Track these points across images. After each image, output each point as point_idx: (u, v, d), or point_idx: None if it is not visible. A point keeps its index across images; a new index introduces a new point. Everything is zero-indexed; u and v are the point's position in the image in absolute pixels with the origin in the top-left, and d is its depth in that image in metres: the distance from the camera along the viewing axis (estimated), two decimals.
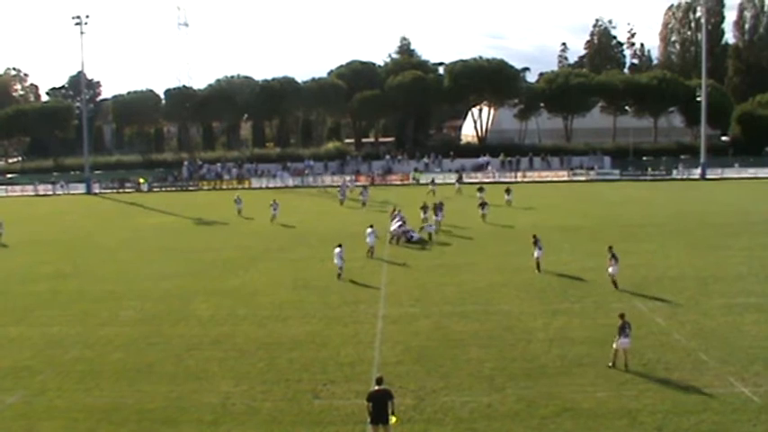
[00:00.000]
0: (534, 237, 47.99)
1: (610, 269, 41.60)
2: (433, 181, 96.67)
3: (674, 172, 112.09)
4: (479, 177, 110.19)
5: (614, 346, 29.13)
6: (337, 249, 46.43)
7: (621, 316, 29.64)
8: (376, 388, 23.04)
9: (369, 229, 52.59)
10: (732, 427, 23.87)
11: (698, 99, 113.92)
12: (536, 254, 46.71)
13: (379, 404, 22.54)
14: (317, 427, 24.78)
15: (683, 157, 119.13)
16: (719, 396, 26.18)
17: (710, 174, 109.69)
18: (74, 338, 35.31)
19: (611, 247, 41.97)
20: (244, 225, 71.72)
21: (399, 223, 58.46)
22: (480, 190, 78.79)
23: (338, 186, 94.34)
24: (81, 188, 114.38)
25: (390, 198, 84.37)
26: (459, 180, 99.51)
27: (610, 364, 29.05)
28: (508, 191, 79.75)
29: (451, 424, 24.71)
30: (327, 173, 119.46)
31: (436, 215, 62.82)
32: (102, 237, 68.28)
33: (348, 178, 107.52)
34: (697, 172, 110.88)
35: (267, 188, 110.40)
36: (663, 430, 23.78)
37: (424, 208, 65.28)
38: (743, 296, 39.81)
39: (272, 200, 71.66)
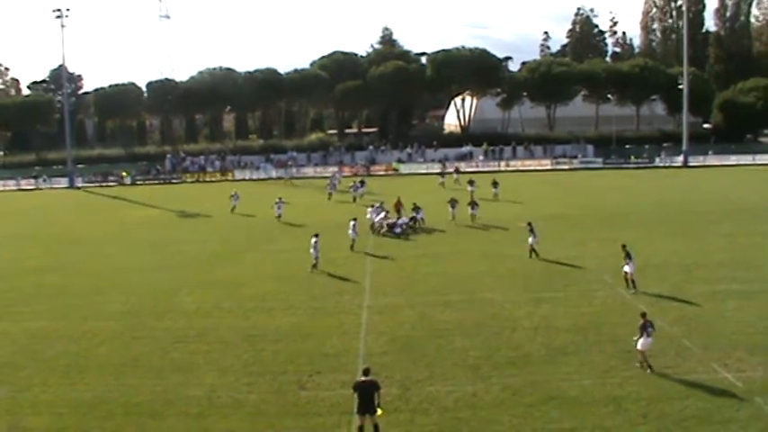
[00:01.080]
0: (529, 224, 48.00)
1: (626, 268, 39.20)
2: (456, 170, 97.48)
3: (657, 160, 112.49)
4: (464, 167, 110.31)
5: (638, 347, 27.77)
6: (313, 240, 46.11)
7: (643, 315, 28.32)
8: (362, 378, 23.12)
9: (351, 222, 52.37)
10: (716, 413, 24.02)
11: (680, 87, 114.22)
12: (530, 240, 47.01)
13: (366, 394, 22.62)
14: (303, 418, 24.81)
15: (665, 144, 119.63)
16: (703, 382, 26.34)
17: (693, 161, 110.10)
18: (58, 333, 35.18)
19: (624, 246, 39.80)
20: (228, 218, 71.53)
21: (383, 214, 58.96)
22: (471, 183, 76.87)
23: (328, 178, 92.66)
24: (64, 182, 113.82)
25: (374, 188, 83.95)
26: (457, 171, 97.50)
27: (637, 364, 27.84)
28: (495, 183, 76.98)
29: (437, 413, 24.78)
30: (311, 164, 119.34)
31: (417, 213, 60.62)
32: (85, 231, 68.05)
33: (337, 170, 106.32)
34: (679, 159, 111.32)
35: (251, 180, 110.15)
36: (647, 417, 23.92)
37: (452, 202, 63.31)
38: (725, 283, 40.02)
39: (278, 197, 68.94)
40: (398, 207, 62.38)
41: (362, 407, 22.61)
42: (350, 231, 51.85)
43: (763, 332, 31.68)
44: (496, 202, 73.02)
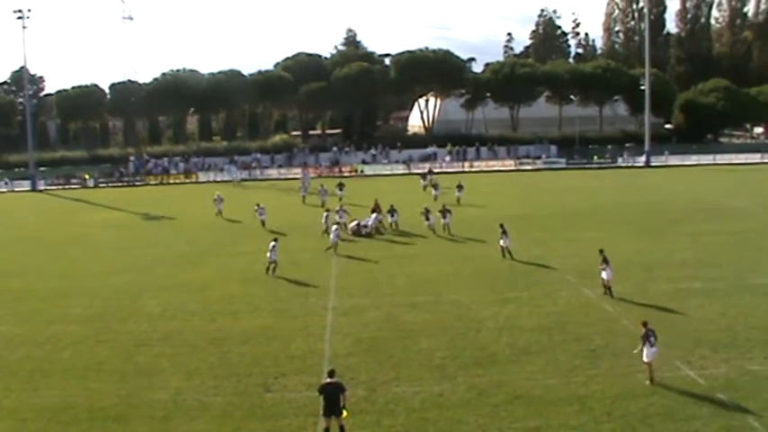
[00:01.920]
0: (501, 225, 47.85)
1: (603, 275, 38.11)
2: (429, 171, 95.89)
3: (620, 160, 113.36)
4: (427, 168, 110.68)
5: (644, 359, 26.51)
6: (272, 244, 45.76)
7: (645, 324, 27.24)
8: (328, 380, 23.12)
9: (334, 226, 52.81)
10: (679, 410, 24.29)
11: (642, 88, 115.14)
12: (502, 242, 46.98)
13: (331, 397, 22.66)
14: (269, 420, 24.78)
15: (627, 145, 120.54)
16: (667, 380, 26.61)
17: (655, 161, 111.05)
18: (21, 337, 34.86)
19: (602, 251, 38.95)
20: (192, 220, 71.15)
21: (356, 221, 58.77)
22: (435, 187, 77.39)
23: (299, 179, 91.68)
24: (26, 185, 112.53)
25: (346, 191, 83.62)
26: (430, 173, 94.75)
27: (647, 382, 26.40)
28: (460, 187, 74.25)
29: (403, 414, 24.85)
30: (275, 166, 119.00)
31: (392, 216, 59.55)
32: (48, 234, 67.41)
33: (306, 172, 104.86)
34: (641, 160, 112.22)
35: (215, 182, 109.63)
36: (612, 415, 24.13)
37: (426, 212, 59.20)
38: (688, 281, 40.53)
39: (256, 204, 65.64)
40: (376, 210, 60.87)
41: (328, 409, 22.63)
42: (332, 236, 51.47)
43: (725, 330, 32.10)
44: (460, 205, 71.30)
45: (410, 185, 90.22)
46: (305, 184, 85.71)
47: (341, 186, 79.75)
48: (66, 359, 31.66)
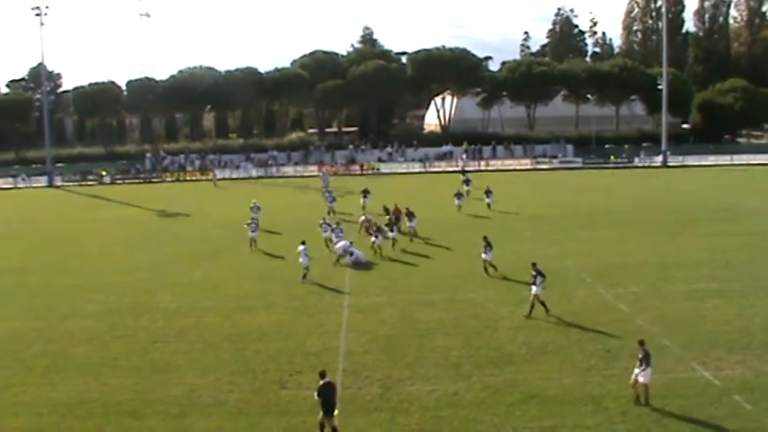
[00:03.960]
0: (485, 238, 43.67)
1: (534, 289, 35.02)
2: (463, 170, 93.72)
3: (636, 160, 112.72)
4: (443, 166, 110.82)
5: (641, 380, 24.69)
6: (301, 247, 43.75)
7: (641, 343, 25.33)
8: (326, 380, 23.13)
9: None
10: (694, 411, 24.18)
11: (659, 87, 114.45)
12: (484, 256, 42.99)
13: (331, 397, 22.80)
14: (285, 417, 24.79)
15: (644, 144, 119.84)
16: (682, 380, 26.54)
17: (671, 161, 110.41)
18: (37, 333, 35.03)
19: (534, 264, 35.69)
20: (208, 217, 71.29)
21: (347, 243, 48.51)
22: (467, 183, 76.32)
23: (319, 177, 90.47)
24: (43, 181, 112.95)
25: (355, 187, 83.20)
26: (464, 172, 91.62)
27: (642, 401, 24.79)
28: (488, 192, 69.27)
29: (418, 413, 24.82)
30: (291, 163, 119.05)
31: (410, 221, 55.53)
32: (64, 230, 67.72)
33: (326, 170, 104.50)
34: (658, 159, 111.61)
35: (231, 179, 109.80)
36: (627, 415, 24.05)
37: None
38: (704, 282, 40.28)
39: (253, 201, 63.96)
40: (397, 215, 56.67)
41: (329, 409, 22.72)
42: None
43: (741, 331, 31.93)
44: (491, 210, 67.74)
45: (426, 183, 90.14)
46: (326, 185, 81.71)
47: (365, 193, 70.19)
48: (82, 355, 31.79)
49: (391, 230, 51.78)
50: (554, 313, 35.04)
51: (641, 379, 24.72)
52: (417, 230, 55.49)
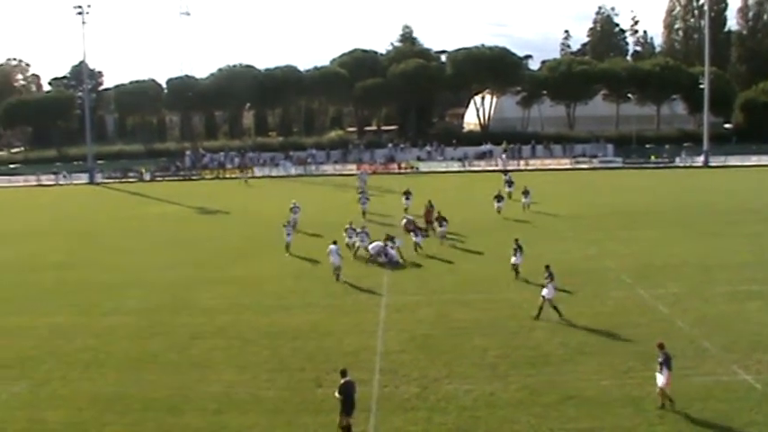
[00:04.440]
0: (516, 240, 42.89)
1: (544, 291, 34.88)
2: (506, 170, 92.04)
3: (677, 160, 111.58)
4: (482, 165, 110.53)
5: (660, 384, 24.44)
6: (333, 246, 43.70)
7: (661, 346, 24.91)
8: (346, 379, 23.14)
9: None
10: (735, 415, 23.91)
11: (701, 86, 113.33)
12: (514, 259, 42.06)
13: (351, 395, 22.81)
14: (320, 415, 24.83)
15: (685, 144, 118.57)
16: (722, 383, 26.24)
17: (713, 161, 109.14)
18: (78, 328, 35.44)
19: (548, 267, 35.51)
20: (247, 214, 71.66)
21: (381, 243, 48.01)
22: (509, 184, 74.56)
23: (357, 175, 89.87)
24: (84, 178, 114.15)
25: (394, 186, 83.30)
26: (506, 172, 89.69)
27: (660, 406, 24.51)
28: (526, 192, 67.64)
29: (455, 412, 24.77)
30: (330, 161, 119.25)
31: (441, 226, 53.39)
32: (105, 226, 68.36)
33: (365, 169, 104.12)
34: (700, 159, 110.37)
35: (270, 177, 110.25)
36: (666, 418, 23.84)
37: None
38: (746, 284, 39.78)
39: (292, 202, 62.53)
40: (428, 217, 56.70)
41: (349, 407, 22.79)
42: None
43: None
44: (528, 211, 66.47)
45: (465, 183, 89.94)
46: (362, 185, 79.87)
47: (408, 195, 67.85)
48: (121, 350, 32.09)
49: (416, 235, 50.99)
50: (592, 313, 34.91)
51: (658, 382, 24.48)
52: (446, 235, 53.27)
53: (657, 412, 24.13)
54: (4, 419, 25.41)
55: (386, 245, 47.73)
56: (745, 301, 36.39)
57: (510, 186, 73.94)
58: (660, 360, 24.49)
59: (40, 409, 26.06)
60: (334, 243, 44.11)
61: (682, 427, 23.29)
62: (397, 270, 45.39)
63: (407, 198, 67.54)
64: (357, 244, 49.16)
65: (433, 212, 56.60)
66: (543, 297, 34.79)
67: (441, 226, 53.41)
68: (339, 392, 22.87)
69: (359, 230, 50.11)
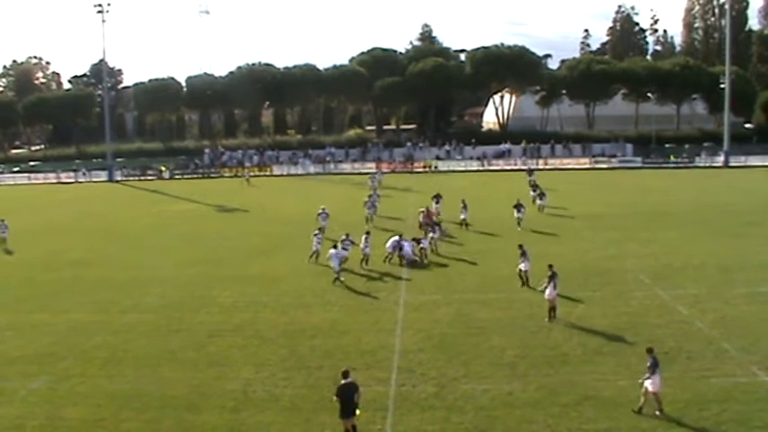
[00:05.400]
0: (521, 247, 41.08)
1: (547, 293, 34.56)
2: (530, 170, 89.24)
3: (697, 159, 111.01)
4: (501, 165, 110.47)
5: (650, 388, 24.17)
6: (333, 251, 43.52)
7: (650, 351, 24.90)
8: (344, 381, 22.88)
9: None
10: (755, 417, 23.74)
11: (721, 86, 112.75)
12: (522, 266, 40.42)
13: (349, 398, 22.47)
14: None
15: (705, 144, 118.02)
16: (742, 385, 26.05)
17: (734, 161, 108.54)
18: (97, 325, 35.58)
19: (550, 265, 35.37)
20: (266, 212, 71.81)
21: (396, 238, 47.31)
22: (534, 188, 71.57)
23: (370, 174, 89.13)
24: (103, 176, 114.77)
25: (413, 185, 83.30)
26: (530, 173, 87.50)
27: (657, 412, 24.03)
28: (542, 195, 67.35)
29: (472, 412, 24.72)
30: (348, 160, 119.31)
31: (434, 232, 50.84)
32: (124, 224, 68.60)
33: (381, 167, 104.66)
34: (720, 159, 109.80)
35: (289, 175, 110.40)
36: (684, 419, 23.71)
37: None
38: (766, 285, 39.47)
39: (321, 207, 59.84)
40: (428, 220, 55.24)
41: (345, 410, 22.46)
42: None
43: None
44: (542, 213, 65.44)
45: (484, 182, 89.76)
46: (375, 185, 79.32)
47: (437, 198, 64.54)
48: (140, 347, 32.20)
49: (433, 232, 50.54)
50: (611, 313, 34.80)
51: (649, 387, 24.23)
52: (438, 243, 50.72)
53: (676, 414, 23.98)
54: (23, 415, 25.53)
55: (400, 240, 46.91)
56: (766, 303, 36.10)
57: (535, 190, 70.37)
58: (648, 364, 24.34)
59: (58, 406, 26.17)
60: (334, 247, 44.27)
61: (700, 428, 23.14)
62: (415, 269, 45.36)
63: (437, 202, 64.01)
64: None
65: (432, 217, 56.43)
66: (546, 299, 34.49)
67: (434, 232, 50.94)
68: (336, 395, 22.61)
69: (344, 238, 46.42)
